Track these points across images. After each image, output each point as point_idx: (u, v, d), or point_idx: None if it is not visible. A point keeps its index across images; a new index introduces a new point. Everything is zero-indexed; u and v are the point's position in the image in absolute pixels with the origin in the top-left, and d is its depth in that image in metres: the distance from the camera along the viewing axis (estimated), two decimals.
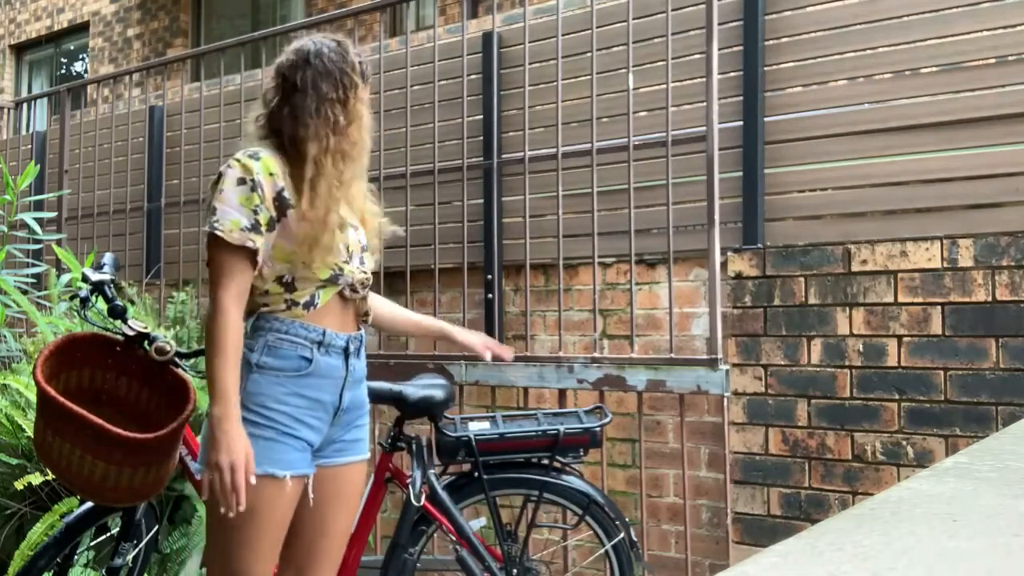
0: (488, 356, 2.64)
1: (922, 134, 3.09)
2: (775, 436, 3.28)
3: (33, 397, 3.12)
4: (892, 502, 1.40)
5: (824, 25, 3.28)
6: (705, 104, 3.32)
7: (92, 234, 5.35)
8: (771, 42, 3.38)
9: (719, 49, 3.33)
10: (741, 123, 3.39)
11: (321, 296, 2.11)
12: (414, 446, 2.70)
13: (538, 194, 3.81)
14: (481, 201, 3.99)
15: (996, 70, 2.99)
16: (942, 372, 3.00)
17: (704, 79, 3.33)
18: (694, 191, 3.43)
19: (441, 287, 4.00)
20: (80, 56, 11.75)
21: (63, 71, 12.02)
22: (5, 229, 4.32)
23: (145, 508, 2.70)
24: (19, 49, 12.32)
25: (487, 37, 4.03)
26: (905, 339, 3.06)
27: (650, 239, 3.55)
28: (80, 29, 11.47)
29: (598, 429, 2.77)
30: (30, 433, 3.06)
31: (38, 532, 2.99)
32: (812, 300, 3.23)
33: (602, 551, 2.78)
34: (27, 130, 6.75)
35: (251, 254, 2.01)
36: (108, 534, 2.81)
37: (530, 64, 3.80)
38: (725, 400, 3.32)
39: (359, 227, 2.22)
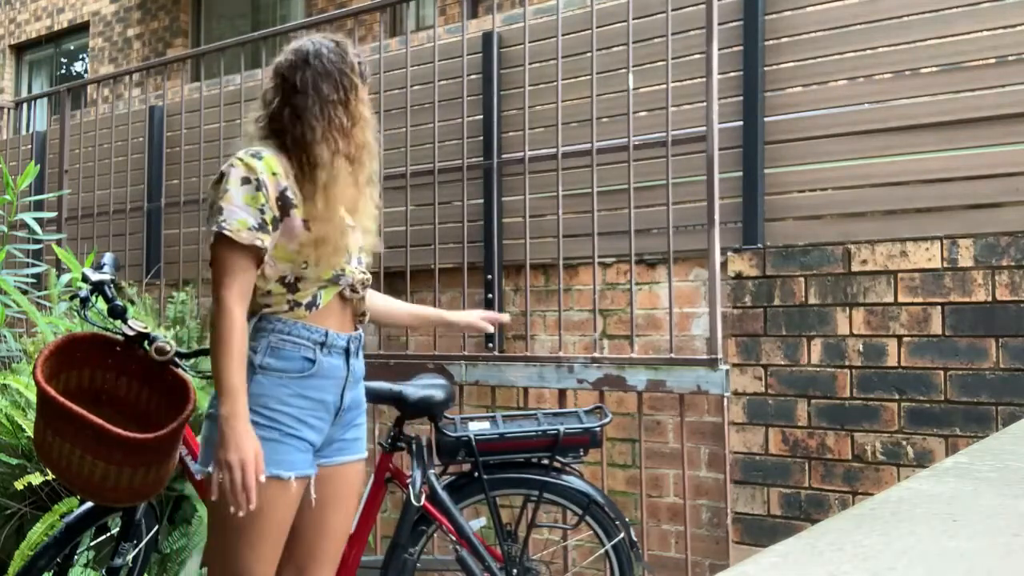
0: (490, 328, 2.70)
1: (922, 134, 3.09)
2: (775, 436, 3.28)
3: (33, 397, 3.12)
4: (892, 502, 1.40)
5: (824, 25, 3.28)
6: (705, 104, 3.32)
7: (92, 234, 5.35)
8: (771, 42, 3.38)
9: (719, 49, 3.33)
10: (741, 123, 3.39)
11: (323, 296, 2.11)
12: (414, 446, 2.70)
13: (538, 194, 3.81)
14: (481, 201, 3.99)
15: (996, 70, 2.99)
16: (942, 372, 3.00)
17: (704, 79, 3.33)
18: (694, 191, 3.43)
19: (441, 287, 4.00)
20: (80, 56, 11.75)
21: (63, 71, 12.02)
22: (5, 229, 4.32)
23: (145, 508, 2.70)
24: (19, 49, 12.32)
25: (487, 37, 4.03)
26: (905, 339, 3.06)
27: (650, 239, 3.55)
28: (80, 29, 11.47)
29: (598, 429, 2.77)
30: (30, 433, 3.06)
31: (38, 532, 2.99)
32: (812, 300, 3.23)
33: (602, 551, 2.78)
34: (27, 130, 6.75)
35: (257, 254, 2.01)
36: (108, 534, 2.81)
37: (530, 64, 3.80)
38: (725, 400, 3.32)
39: (355, 226, 2.22)
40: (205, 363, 2.99)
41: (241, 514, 1.94)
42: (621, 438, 3.62)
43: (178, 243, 5.05)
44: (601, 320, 3.71)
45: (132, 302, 4.24)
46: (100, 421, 2.20)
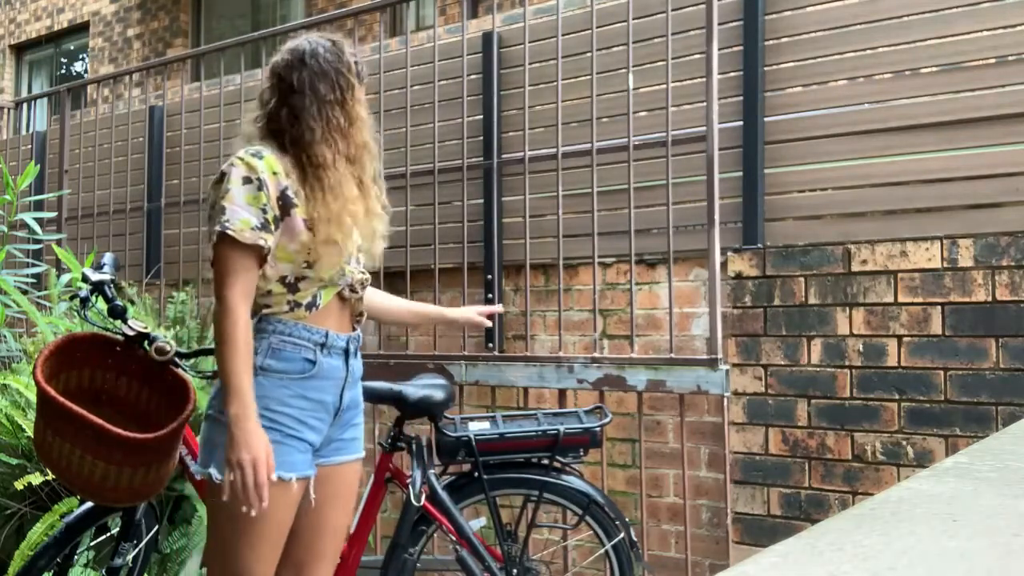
0: (487, 321, 2.74)
1: (922, 134, 3.09)
2: (775, 436, 3.28)
3: (33, 397, 3.12)
4: (892, 502, 1.40)
5: (824, 25, 3.28)
6: (705, 104, 3.32)
7: (92, 234, 5.35)
8: (771, 42, 3.38)
9: (719, 49, 3.33)
10: (741, 123, 3.39)
11: (323, 296, 2.11)
12: (414, 446, 2.70)
13: (538, 194, 3.81)
14: (481, 201, 3.99)
15: (996, 70, 2.99)
16: (942, 372, 3.00)
17: (704, 79, 3.33)
18: (694, 191, 3.43)
19: (441, 287, 4.00)
20: (80, 56, 11.75)
21: (63, 71, 12.02)
22: (5, 229, 4.32)
23: (145, 508, 2.70)
24: (19, 49, 12.32)
25: (487, 37, 4.03)
26: (905, 339, 3.06)
27: (650, 239, 3.55)
28: (80, 29, 11.47)
29: (598, 429, 2.77)
30: (30, 433, 3.06)
31: (38, 532, 2.99)
32: (812, 300, 3.23)
33: (602, 551, 2.78)
34: (27, 130, 6.75)
35: (259, 253, 2.01)
36: (108, 534, 2.81)
37: (530, 64, 3.80)
38: (725, 400, 3.32)
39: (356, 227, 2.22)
40: (205, 363, 3.00)
41: (254, 513, 1.93)
42: (621, 438, 3.62)
43: (178, 243, 5.05)
44: (601, 320, 3.71)
45: (132, 302, 4.23)
46: (100, 421, 2.20)
